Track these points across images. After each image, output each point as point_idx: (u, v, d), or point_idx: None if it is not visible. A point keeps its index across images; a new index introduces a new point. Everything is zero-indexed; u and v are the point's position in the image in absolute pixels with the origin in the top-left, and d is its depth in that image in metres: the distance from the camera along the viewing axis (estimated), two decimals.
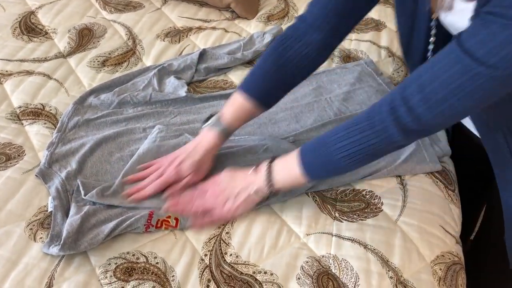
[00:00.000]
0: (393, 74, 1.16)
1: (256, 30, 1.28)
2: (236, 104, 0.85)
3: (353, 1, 0.81)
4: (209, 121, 0.87)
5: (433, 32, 0.80)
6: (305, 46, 0.82)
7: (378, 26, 1.31)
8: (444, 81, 0.63)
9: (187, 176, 0.85)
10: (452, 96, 0.63)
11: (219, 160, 0.91)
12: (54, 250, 0.76)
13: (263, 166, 0.78)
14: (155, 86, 1.07)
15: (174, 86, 1.07)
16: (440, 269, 0.81)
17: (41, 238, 0.80)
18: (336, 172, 0.79)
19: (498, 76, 0.60)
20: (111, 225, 0.79)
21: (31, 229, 0.81)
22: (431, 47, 0.81)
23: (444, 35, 0.79)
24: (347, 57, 1.20)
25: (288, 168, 0.76)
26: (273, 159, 0.79)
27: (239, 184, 0.80)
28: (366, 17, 1.33)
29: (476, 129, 0.84)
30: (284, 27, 1.29)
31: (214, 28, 1.29)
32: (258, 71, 0.86)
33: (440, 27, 0.79)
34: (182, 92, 1.05)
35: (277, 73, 0.84)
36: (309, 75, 0.87)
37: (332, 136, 0.72)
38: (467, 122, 0.95)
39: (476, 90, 0.61)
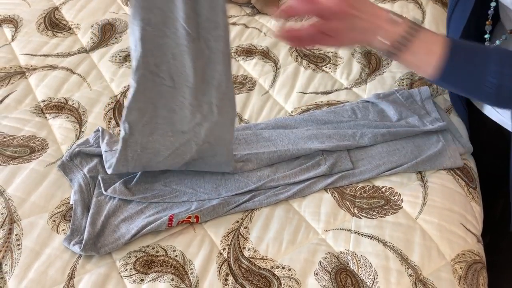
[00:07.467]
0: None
1: (276, 26, 1.27)
2: None
3: None
4: None
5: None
6: None
7: None
8: None
9: None
10: None
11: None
12: (76, 248, 0.78)
13: (409, 21, 0.67)
14: None
15: None
16: (461, 268, 0.80)
17: (63, 230, 0.82)
18: (470, 92, 0.70)
19: None
20: (132, 231, 0.80)
21: (54, 221, 0.83)
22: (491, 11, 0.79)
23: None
24: (369, 53, 1.19)
25: (428, 49, 0.66)
26: (418, 24, 0.67)
27: (370, 19, 0.67)
28: None
29: None
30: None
31: (234, 23, 1.29)
32: None
33: None
34: None
35: None
36: None
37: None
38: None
39: None
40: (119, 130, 0.98)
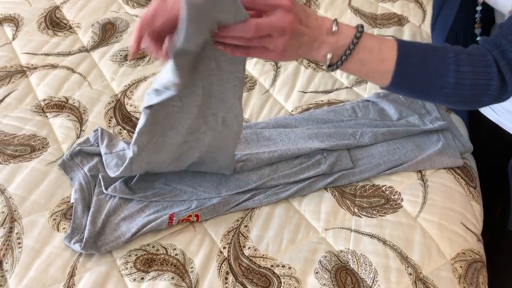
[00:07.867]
0: None
1: None
2: None
3: None
4: None
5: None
6: None
7: (400, 21, 1.30)
8: None
9: None
10: None
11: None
12: (76, 247, 0.78)
13: (352, 30, 0.62)
14: None
15: None
16: (461, 267, 0.80)
17: (64, 228, 0.82)
18: (426, 94, 0.64)
19: None
20: (133, 229, 0.80)
21: (54, 219, 0.83)
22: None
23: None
24: None
25: (377, 56, 0.60)
26: (362, 28, 0.61)
27: (312, 33, 0.61)
28: (388, 12, 1.32)
29: None
30: None
31: None
32: None
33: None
34: None
35: None
36: None
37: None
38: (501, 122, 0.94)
39: None
40: (120, 129, 0.98)
